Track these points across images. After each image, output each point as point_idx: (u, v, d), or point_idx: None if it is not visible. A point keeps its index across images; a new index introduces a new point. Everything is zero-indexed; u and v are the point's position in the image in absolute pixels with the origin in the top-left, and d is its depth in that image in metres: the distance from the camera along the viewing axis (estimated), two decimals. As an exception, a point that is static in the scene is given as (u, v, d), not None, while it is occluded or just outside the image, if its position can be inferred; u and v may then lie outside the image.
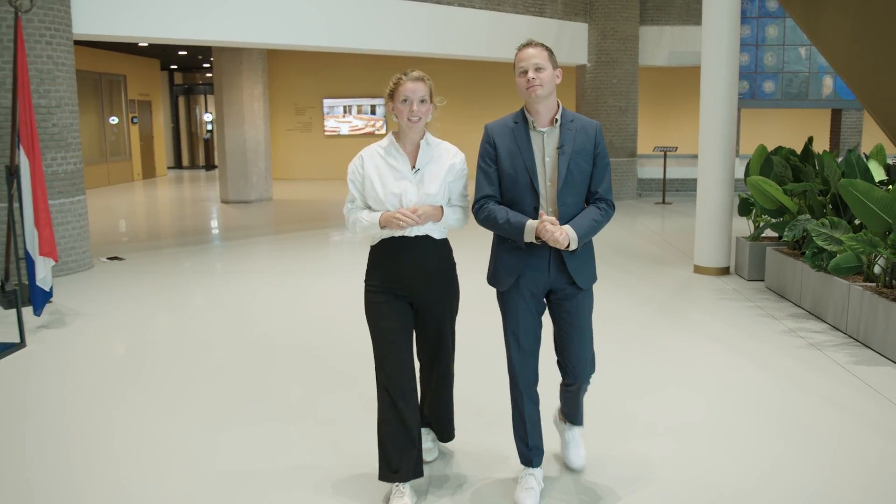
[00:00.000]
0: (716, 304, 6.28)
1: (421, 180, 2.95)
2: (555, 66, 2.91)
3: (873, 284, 5.14)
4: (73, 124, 7.75)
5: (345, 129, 19.50)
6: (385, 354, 2.98)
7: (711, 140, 7.18)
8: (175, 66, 25.37)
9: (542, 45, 2.92)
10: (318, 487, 3.23)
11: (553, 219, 2.81)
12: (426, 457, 3.35)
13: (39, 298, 5.65)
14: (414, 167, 2.96)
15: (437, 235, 3.01)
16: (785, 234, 5.82)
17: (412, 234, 2.94)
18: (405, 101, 2.89)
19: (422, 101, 2.91)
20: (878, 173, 6.12)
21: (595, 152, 2.93)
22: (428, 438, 3.40)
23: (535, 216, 2.87)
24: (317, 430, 3.82)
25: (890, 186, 5.34)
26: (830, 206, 5.90)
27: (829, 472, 3.31)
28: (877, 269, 5.21)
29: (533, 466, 3.08)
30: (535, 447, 3.06)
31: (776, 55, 13.61)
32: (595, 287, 3.05)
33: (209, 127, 25.72)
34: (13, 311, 5.98)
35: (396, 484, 2.99)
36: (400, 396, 2.94)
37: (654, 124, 17.01)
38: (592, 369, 3.10)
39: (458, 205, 3.07)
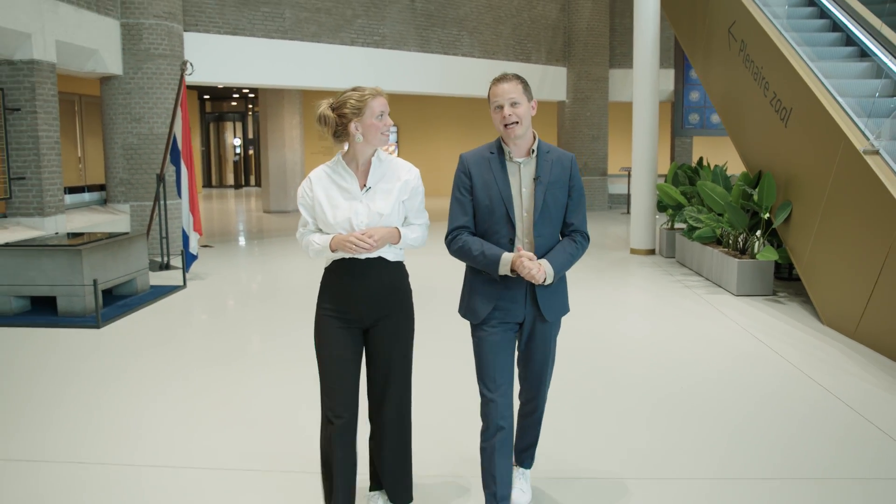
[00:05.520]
0: (638, 270, 9.29)
1: (372, 199, 2.80)
2: (530, 98, 2.84)
3: (726, 249, 8.12)
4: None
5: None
6: (329, 384, 2.82)
7: (640, 159, 10.20)
8: (207, 97, 28.53)
9: (517, 79, 2.84)
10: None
11: (530, 254, 2.75)
12: None
13: (189, 260, 8.62)
14: (364, 186, 2.81)
15: (391, 258, 2.85)
16: (676, 219, 8.83)
17: (364, 256, 2.80)
18: (381, 115, 2.79)
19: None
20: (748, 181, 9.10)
21: (570, 184, 2.89)
22: (379, 502, 3.11)
23: (511, 247, 2.81)
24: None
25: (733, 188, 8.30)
26: (709, 202, 8.89)
27: (676, 334, 6.32)
28: (756, 247, 8.03)
29: None
30: (502, 498, 2.85)
31: (721, 93, 16.59)
32: None
33: (237, 150, 28.85)
34: (165, 272, 8.99)
35: None
36: (339, 429, 2.80)
37: (624, 148, 20.05)
38: (547, 384, 3.10)
39: (415, 223, 2.92)
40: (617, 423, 4.22)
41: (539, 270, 2.74)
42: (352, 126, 2.78)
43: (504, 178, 2.84)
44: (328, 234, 2.82)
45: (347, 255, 2.80)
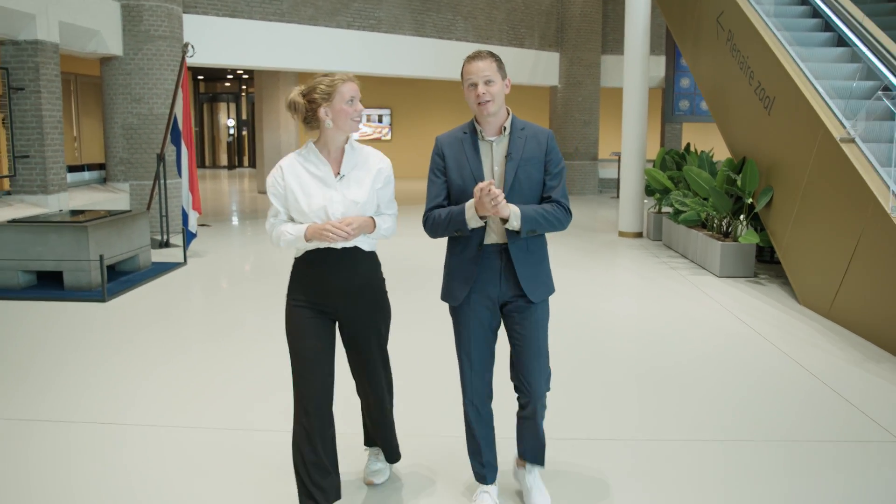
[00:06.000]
0: (626, 252, 9.57)
1: (347, 186, 2.77)
2: (504, 76, 2.81)
3: (710, 232, 8.40)
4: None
5: (355, 136, 22.70)
6: (303, 377, 2.80)
7: (629, 144, 10.46)
8: (201, 77, 28.57)
9: (491, 56, 2.79)
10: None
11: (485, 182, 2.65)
12: (376, 479, 3.23)
13: (189, 238, 8.84)
14: (338, 173, 2.79)
15: (365, 247, 2.85)
16: (663, 203, 9.10)
17: (339, 246, 2.77)
18: (351, 100, 2.74)
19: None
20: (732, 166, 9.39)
21: (546, 159, 2.82)
22: (378, 459, 3.28)
23: (483, 225, 2.78)
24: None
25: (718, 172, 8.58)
26: (696, 186, 9.16)
27: (660, 313, 6.61)
28: (739, 231, 8.35)
29: (487, 483, 3.02)
30: (488, 463, 3.00)
31: (711, 80, 16.82)
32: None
33: (231, 131, 28.95)
34: (165, 249, 9.22)
35: None
36: (314, 423, 2.79)
37: (615, 133, 20.30)
38: (547, 386, 2.99)
39: (387, 213, 2.91)
40: (603, 391, 4.51)
41: (494, 186, 2.64)
42: (321, 111, 2.74)
43: (476, 157, 2.82)
44: (301, 223, 2.78)
45: (322, 245, 2.77)
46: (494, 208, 2.65)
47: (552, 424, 3.89)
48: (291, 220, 2.83)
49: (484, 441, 2.98)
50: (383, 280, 2.98)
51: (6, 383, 4.55)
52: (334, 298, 2.83)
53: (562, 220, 2.83)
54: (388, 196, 2.91)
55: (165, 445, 3.69)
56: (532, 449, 3.04)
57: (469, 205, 2.72)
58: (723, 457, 3.61)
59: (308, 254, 2.82)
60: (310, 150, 2.82)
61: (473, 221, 2.74)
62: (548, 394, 3.03)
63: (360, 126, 2.83)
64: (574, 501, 3.17)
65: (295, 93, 2.79)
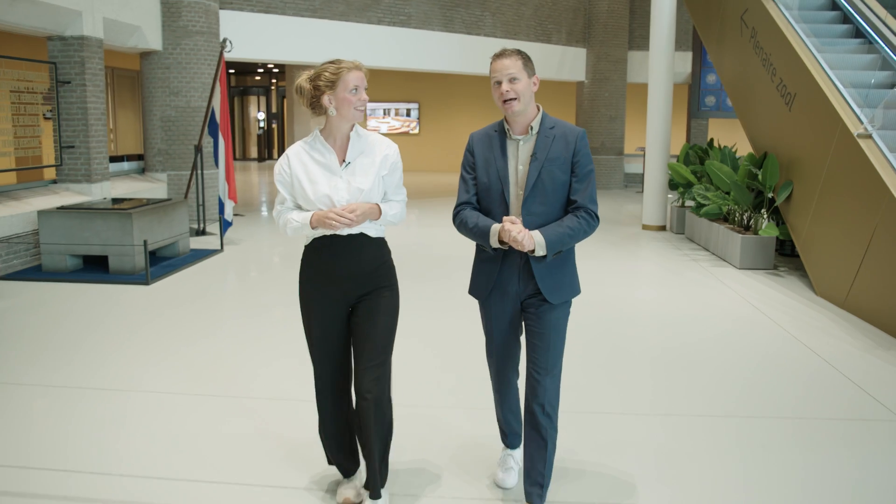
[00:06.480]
0: (648, 244, 9.77)
1: (352, 174, 2.78)
2: (531, 73, 2.80)
3: (732, 225, 8.58)
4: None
5: (384, 129, 23.04)
6: (318, 365, 2.93)
7: (654, 139, 10.63)
8: (232, 71, 29.03)
9: (517, 54, 2.80)
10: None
11: (514, 218, 2.71)
12: None
13: (225, 226, 9.19)
14: (343, 161, 2.80)
15: (372, 233, 2.84)
16: (686, 197, 9.28)
17: (345, 233, 2.78)
18: (355, 89, 2.74)
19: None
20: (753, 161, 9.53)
21: (574, 160, 2.78)
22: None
23: (506, 249, 2.82)
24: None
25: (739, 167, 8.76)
26: (718, 181, 9.32)
27: (679, 300, 6.83)
28: (763, 224, 8.54)
29: (510, 448, 3.23)
30: (511, 432, 3.20)
31: (738, 76, 16.82)
32: None
33: (261, 124, 29.42)
34: (202, 237, 9.57)
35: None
36: (327, 404, 2.96)
37: (641, 129, 20.39)
38: (556, 392, 2.89)
39: (394, 199, 2.91)
40: (619, 369, 4.76)
41: (522, 233, 2.67)
42: (325, 98, 2.74)
43: (502, 156, 2.82)
44: (307, 210, 2.79)
45: (329, 232, 2.78)
46: (517, 245, 2.70)
47: (567, 399, 4.15)
48: (299, 207, 2.85)
49: (508, 413, 3.15)
50: (393, 267, 2.96)
51: (59, 356, 4.91)
52: (343, 284, 2.84)
53: (587, 230, 2.79)
54: (395, 182, 2.90)
55: (197, 411, 4.02)
56: (531, 483, 2.86)
57: (494, 232, 2.76)
58: (734, 432, 3.84)
59: (316, 241, 2.84)
60: (315, 137, 2.83)
61: (495, 244, 2.79)
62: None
63: (364, 115, 2.84)
64: (587, 473, 3.43)
65: (302, 78, 2.80)
